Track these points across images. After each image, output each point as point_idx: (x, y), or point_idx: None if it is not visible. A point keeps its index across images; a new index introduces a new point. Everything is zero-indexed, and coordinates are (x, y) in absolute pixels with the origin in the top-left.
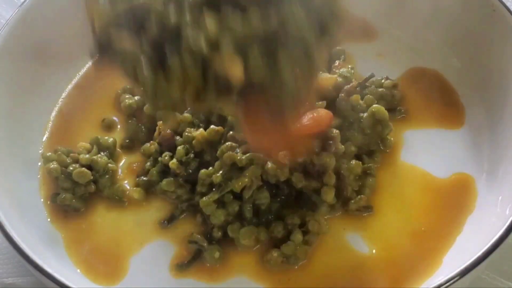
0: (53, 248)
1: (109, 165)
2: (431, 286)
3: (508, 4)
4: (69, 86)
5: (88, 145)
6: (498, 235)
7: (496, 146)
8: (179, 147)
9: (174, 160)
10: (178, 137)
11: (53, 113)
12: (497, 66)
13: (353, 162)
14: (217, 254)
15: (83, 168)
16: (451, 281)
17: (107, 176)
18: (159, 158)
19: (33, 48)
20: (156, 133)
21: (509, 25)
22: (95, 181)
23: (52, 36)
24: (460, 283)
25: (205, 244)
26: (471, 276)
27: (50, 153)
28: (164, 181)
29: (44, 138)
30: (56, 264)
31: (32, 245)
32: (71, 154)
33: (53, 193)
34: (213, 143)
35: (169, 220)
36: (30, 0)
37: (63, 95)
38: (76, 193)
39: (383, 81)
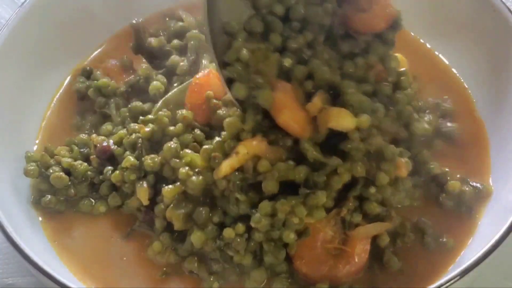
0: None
1: (88, 172)
2: (432, 286)
3: (508, 4)
4: (67, 85)
5: (65, 148)
6: (498, 236)
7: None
8: (127, 152)
9: (116, 173)
10: (115, 146)
11: (49, 112)
12: (497, 65)
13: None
14: (215, 285)
15: (61, 173)
16: (451, 281)
17: (84, 183)
18: (101, 177)
19: (32, 48)
20: (92, 147)
21: (509, 25)
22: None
23: (52, 36)
24: (460, 283)
25: (206, 275)
26: (471, 276)
27: (32, 153)
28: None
29: (40, 137)
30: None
31: (32, 244)
32: (56, 156)
33: (36, 195)
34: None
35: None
36: (30, 0)
37: (61, 94)
38: (58, 195)
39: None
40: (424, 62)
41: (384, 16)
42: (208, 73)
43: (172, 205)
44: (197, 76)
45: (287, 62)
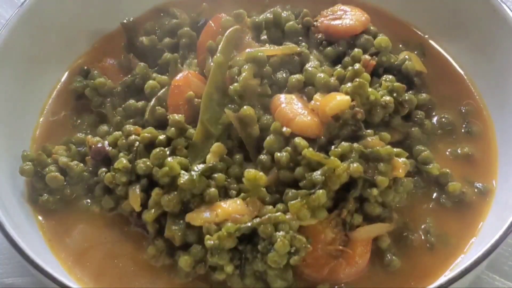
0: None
1: (84, 173)
2: (431, 286)
3: (508, 4)
4: (64, 84)
5: (63, 147)
6: (498, 235)
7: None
8: (121, 154)
9: (108, 174)
10: (110, 148)
11: (46, 111)
12: (497, 65)
13: None
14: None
15: (56, 174)
16: (451, 281)
17: (80, 184)
18: (95, 178)
19: (31, 47)
20: (87, 148)
21: (509, 25)
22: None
23: (50, 36)
24: (460, 283)
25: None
26: (471, 276)
27: (29, 152)
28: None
29: (37, 136)
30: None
31: (32, 244)
32: (53, 155)
33: (32, 194)
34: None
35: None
36: (30, 0)
37: (58, 93)
38: (54, 194)
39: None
40: (431, 61)
41: (361, 22)
42: (187, 75)
43: (168, 223)
44: (176, 78)
45: None
